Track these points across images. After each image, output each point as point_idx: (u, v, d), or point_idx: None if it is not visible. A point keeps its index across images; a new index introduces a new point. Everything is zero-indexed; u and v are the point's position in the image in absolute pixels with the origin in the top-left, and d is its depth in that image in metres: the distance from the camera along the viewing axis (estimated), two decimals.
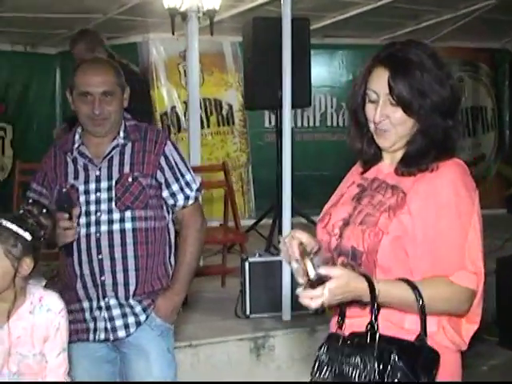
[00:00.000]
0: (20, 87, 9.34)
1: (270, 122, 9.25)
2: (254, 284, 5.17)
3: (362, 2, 8.27)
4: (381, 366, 1.88)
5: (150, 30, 8.66)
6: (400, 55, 2.08)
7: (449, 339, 2.08)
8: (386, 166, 2.20)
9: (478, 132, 10.54)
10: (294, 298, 1.92)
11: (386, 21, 8.92)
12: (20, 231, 2.35)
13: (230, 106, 9.41)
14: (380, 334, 1.91)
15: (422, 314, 1.94)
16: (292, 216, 5.24)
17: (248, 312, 5.18)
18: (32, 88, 9.42)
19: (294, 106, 5.26)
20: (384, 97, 2.07)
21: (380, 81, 2.07)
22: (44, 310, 2.40)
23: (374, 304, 1.88)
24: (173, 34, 6.45)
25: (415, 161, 2.10)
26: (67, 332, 2.45)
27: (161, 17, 7.29)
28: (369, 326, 1.92)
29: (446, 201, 2.03)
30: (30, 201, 2.45)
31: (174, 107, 9.09)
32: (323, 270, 1.84)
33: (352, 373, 1.91)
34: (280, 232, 5.67)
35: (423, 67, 2.05)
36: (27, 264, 2.38)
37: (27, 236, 2.37)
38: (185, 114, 8.78)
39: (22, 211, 2.40)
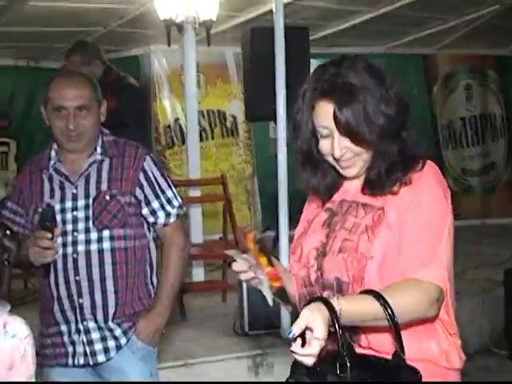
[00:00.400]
0: (23, 102, 9.28)
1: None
2: (252, 300, 5.04)
3: (365, 10, 8.18)
4: None
5: (151, 42, 8.58)
6: (341, 82, 1.94)
7: (450, 360, 2.01)
8: (353, 185, 2.09)
9: (487, 140, 10.38)
10: (294, 315, 1.83)
11: (390, 29, 8.83)
12: None
13: (234, 118, 9.31)
14: (351, 358, 1.76)
15: (393, 323, 1.81)
16: (294, 228, 5.11)
17: (246, 329, 5.06)
18: (35, 103, 9.33)
19: None
20: (337, 130, 1.96)
21: (327, 116, 1.95)
22: (8, 336, 2.28)
23: (338, 327, 1.73)
24: (169, 45, 6.35)
25: (379, 184, 2.00)
26: (34, 359, 2.33)
27: (161, 29, 7.20)
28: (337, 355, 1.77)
29: (425, 207, 1.96)
30: None
31: (177, 119, 9.00)
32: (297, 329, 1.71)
33: None
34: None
35: (367, 90, 1.93)
36: None
37: None
38: None
39: None
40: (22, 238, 2.86)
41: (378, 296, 1.81)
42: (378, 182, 2.00)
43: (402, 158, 1.98)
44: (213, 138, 9.24)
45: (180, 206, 2.97)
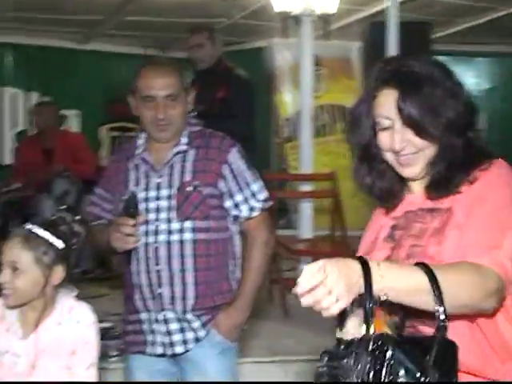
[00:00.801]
0: None
1: None
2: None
3: (499, 7, 7.85)
4: (377, 362, 1.55)
5: (275, 34, 8.55)
6: (406, 71, 1.83)
7: None
8: (417, 197, 1.94)
9: None
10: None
11: None
12: (52, 238, 2.27)
13: None
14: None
15: (438, 300, 1.60)
16: None
17: None
18: None
19: None
20: (399, 120, 1.83)
21: (389, 105, 1.83)
22: (73, 321, 2.29)
23: (371, 288, 1.55)
24: (285, 38, 6.33)
25: (444, 183, 1.85)
26: (98, 345, 2.34)
27: (283, 21, 7.18)
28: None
29: (491, 200, 1.80)
30: (63, 207, 2.37)
31: (299, 112, 8.93)
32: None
33: (345, 377, 1.58)
34: None
35: (433, 80, 1.81)
36: (58, 273, 2.30)
37: (59, 244, 2.28)
38: None
39: (54, 217, 2.32)
40: (108, 223, 2.89)
41: (425, 267, 1.63)
42: (441, 181, 1.85)
43: (466, 154, 1.84)
44: (334, 133, 9.11)
45: (265, 200, 2.91)
